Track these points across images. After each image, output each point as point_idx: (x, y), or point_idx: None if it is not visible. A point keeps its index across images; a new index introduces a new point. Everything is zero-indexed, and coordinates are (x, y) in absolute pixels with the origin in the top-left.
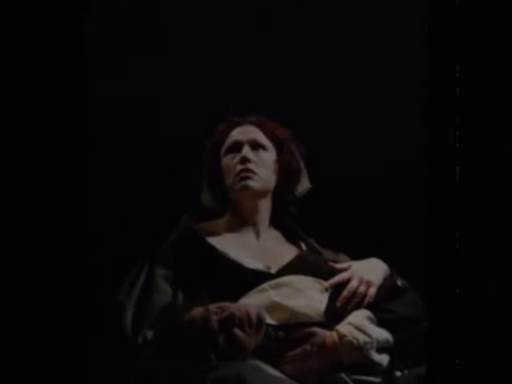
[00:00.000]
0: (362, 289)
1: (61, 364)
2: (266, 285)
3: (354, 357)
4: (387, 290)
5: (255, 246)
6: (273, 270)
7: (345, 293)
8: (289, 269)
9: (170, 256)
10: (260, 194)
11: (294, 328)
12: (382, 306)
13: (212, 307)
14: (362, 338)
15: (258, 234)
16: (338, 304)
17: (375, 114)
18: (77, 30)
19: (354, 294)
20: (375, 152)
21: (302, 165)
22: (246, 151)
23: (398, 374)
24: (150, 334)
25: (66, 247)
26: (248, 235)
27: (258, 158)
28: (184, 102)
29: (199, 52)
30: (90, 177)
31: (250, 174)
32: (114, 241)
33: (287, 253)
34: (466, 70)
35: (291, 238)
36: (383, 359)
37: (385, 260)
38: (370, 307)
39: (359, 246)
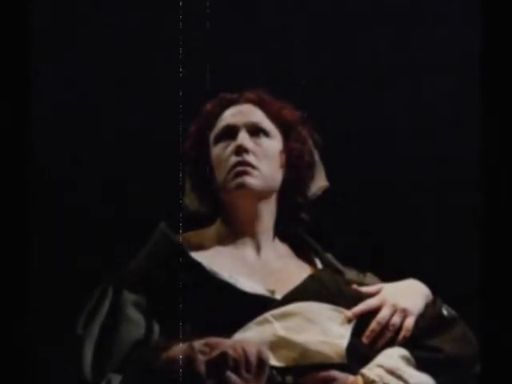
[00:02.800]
0: (395, 320)
1: None
2: (268, 314)
3: None
4: (429, 321)
5: (255, 264)
6: (278, 295)
7: (373, 325)
8: (299, 293)
9: (142, 277)
10: (261, 195)
11: (307, 371)
12: (422, 343)
13: (198, 344)
14: None
15: (258, 248)
16: (365, 340)
17: (416, 89)
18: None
19: (385, 326)
20: (412, 141)
21: (317, 157)
22: (243, 138)
23: None
24: (116, 380)
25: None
26: (246, 249)
27: (258, 147)
28: (162, 73)
29: (186, 13)
30: (34, 179)
31: (248, 169)
32: (69, 257)
33: (297, 272)
34: None
35: (302, 252)
36: None
37: (426, 282)
38: (406, 344)
39: (392, 264)
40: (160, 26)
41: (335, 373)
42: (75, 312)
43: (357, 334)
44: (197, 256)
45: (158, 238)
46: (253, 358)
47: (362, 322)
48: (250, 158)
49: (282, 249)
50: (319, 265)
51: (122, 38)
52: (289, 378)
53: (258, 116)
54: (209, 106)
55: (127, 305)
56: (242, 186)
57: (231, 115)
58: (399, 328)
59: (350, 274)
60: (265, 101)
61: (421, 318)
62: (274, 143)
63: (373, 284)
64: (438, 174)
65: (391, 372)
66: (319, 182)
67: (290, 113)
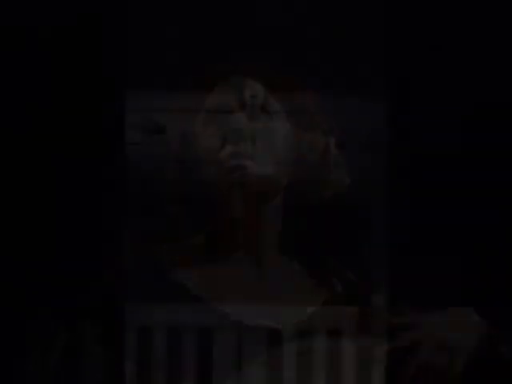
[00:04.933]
0: (440, 359)
1: None
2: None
3: None
4: (483, 361)
5: (255, 286)
6: (284, 327)
7: (412, 367)
8: (312, 325)
9: (104, 304)
10: (262, 196)
11: None
12: None
13: None
14: None
15: (259, 265)
16: None
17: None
18: None
19: (427, 367)
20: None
21: (335, 146)
22: (239, 121)
23: None
24: None
25: None
26: (243, 267)
27: (258, 132)
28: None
29: None
30: None
31: (246, 161)
32: (14, 276)
33: (309, 297)
34: None
35: (316, 271)
36: None
37: (479, 310)
38: None
39: (435, 287)
40: None
41: None
42: (16, 352)
43: (390, 378)
44: (178, 276)
45: (125, 251)
46: None
47: (396, 362)
48: (247, 147)
49: (290, 266)
50: (338, 287)
51: None
52: None
53: (257, 92)
54: (194, 80)
55: (85, 342)
56: (238, 183)
57: (224, 91)
58: (445, 369)
59: (380, 299)
60: (267, 73)
61: (473, 356)
62: (278, 126)
63: (410, 313)
64: None
65: None
66: (338, 179)
67: (300, 89)
